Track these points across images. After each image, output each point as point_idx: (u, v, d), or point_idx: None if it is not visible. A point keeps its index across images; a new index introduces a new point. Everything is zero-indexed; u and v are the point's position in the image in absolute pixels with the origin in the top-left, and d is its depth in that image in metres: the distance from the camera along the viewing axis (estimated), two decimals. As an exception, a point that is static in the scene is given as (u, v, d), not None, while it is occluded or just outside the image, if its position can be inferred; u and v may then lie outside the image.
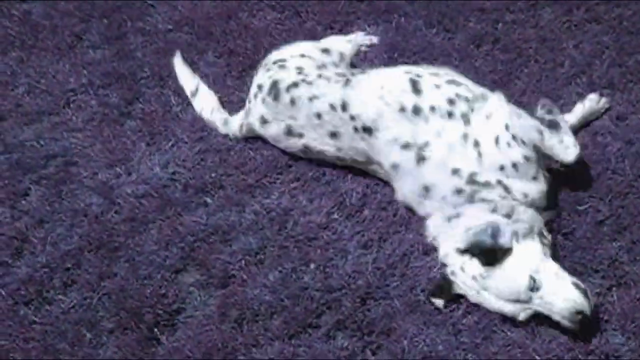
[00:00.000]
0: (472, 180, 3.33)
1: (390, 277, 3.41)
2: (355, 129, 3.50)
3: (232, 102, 4.14)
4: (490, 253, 3.16)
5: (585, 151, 3.83)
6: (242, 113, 3.91)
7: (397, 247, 3.50)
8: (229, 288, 3.42)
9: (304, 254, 3.50)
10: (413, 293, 3.37)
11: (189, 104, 4.10)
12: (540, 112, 3.49)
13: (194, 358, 3.20)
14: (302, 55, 3.82)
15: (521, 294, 3.12)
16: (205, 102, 4.02)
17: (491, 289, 3.18)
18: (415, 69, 3.61)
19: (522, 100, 4.04)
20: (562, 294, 3.09)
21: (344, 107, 3.50)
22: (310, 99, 3.58)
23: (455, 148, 3.35)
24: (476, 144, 3.35)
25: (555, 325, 3.15)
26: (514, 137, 3.34)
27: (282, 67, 3.76)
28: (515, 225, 3.26)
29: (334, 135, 3.57)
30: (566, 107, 3.90)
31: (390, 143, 3.44)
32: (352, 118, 3.49)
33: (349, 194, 3.68)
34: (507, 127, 3.36)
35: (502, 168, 3.33)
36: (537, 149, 3.38)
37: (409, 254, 3.48)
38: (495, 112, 3.44)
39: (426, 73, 3.56)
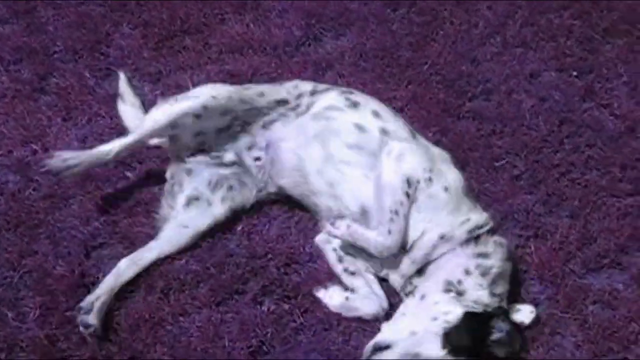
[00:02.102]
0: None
1: (313, 241, 3.44)
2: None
3: (150, 73, 4.09)
4: None
5: (501, 108, 3.92)
6: None
7: (321, 211, 3.52)
8: (153, 260, 3.39)
9: (228, 222, 3.49)
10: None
11: (104, 77, 4.04)
12: None
13: (121, 331, 3.17)
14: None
15: None
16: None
17: None
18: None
19: (438, 61, 4.10)
20: None
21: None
22: None
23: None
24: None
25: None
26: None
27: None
28: None
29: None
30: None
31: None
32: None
33: (270, 161, 3.68)
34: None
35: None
36: None
37: (333, 217, 3.50)
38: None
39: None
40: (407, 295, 3.15)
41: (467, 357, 2.89)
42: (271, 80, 3.97)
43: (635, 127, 3.85)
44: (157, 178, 3.63)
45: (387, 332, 3.00)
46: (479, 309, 2.97)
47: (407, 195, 3.10)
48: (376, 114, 3.37)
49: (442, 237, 3.10)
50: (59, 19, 4.31)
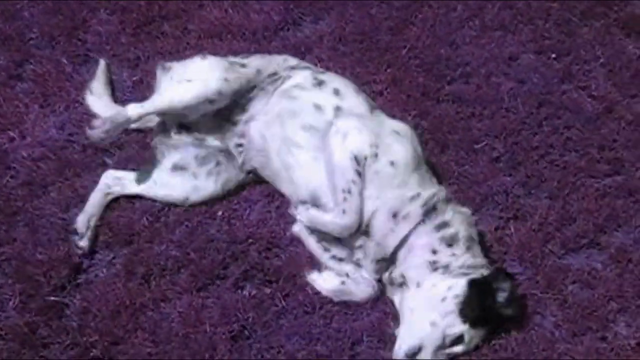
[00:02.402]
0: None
1: (293, 225, 3.44)
2: None
3: (129, 60, 4.06)
4: None
5: (480, 91, 3.93)
6: None
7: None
8: (134, 246, 3.38)
9: (209, 207, 3.49)
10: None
11: (82, 63, 4.01)
12: None
13: (102, 316, 3.16)
14: None
15: None
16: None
17: None
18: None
19: (417, 45, 4.11)
20: None
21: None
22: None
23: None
24: None
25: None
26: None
27: None
28: None
29: None
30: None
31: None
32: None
33: (250, 146, 3.67)
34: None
35: None
36: None
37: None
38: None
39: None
40: (400, 286, 3.12)
41: (484, 324, 2.97)
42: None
43: (613, 108, 3.88)
44: (136, 164, 3.61)
45: (408, 335, 2.96)
46: (474, 273, 3.01)
47: (358, 173, 3.09)
48: (336, 92, 3.36)
49: (394, 215, 3.10)
50: (34, 5, 4.27)
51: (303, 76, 3.45)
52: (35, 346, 3.09)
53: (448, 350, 2.96)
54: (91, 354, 3.08)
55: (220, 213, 3.47)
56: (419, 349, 2.91)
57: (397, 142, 3.19)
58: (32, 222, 3.44)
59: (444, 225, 3.10)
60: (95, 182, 3.52)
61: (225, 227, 3.43)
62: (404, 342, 2.94)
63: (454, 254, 3.06)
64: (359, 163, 3.09)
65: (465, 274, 3.01)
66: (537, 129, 3.80)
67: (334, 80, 3.45)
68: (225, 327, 3.14)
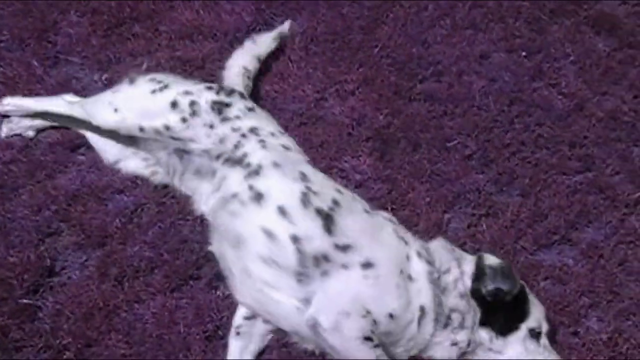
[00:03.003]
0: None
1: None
2: None
3: (100, 61, 4.04)
4: None
5: (452, 90, 3.96)
6: None
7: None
8: (107, 247, 3.36)
9: (182, 208, 3.47)
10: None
11: (52, 65, 3.98)
12: None
13: (75, 319, 3.14)
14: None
15: None
16: None
17: None
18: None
19: (389, 44, 4.12)
20: None
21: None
22: None
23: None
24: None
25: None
26: None
27: None
28: None
29: None
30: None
31: None
32: None
33: (223, 146, 3.67)
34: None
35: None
36: None
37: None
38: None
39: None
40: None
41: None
42: (222, 67, 3.96)
43: (583, 106, 3.92)
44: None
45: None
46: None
47: (375, 346, 2.81)
48: (282, 211, 2.93)
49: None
50: (4, 7, 4.22)
51: (236, 181, 3.08)
52: (8, 349, 3.07)
53: None
54: (64, 356, 3.07)
55: (192, 217, 3.45)
56: None
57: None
58: (4, 225, 3.41)
59: (450, 317, 2.98)
60: (67, 183, 3.51)
61: (198, 227, 3.42)
62: None
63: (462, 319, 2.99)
64: (371, 339, 2.80)
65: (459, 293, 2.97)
66: (509, 127, 3.83)
67: (271, 188, 3.00)
68: (200, 327, 3.14)
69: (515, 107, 3.91)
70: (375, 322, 2.80)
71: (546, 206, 3.54)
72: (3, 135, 3.65)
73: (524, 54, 4.15)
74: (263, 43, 3.96)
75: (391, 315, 2.83)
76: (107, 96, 3.40)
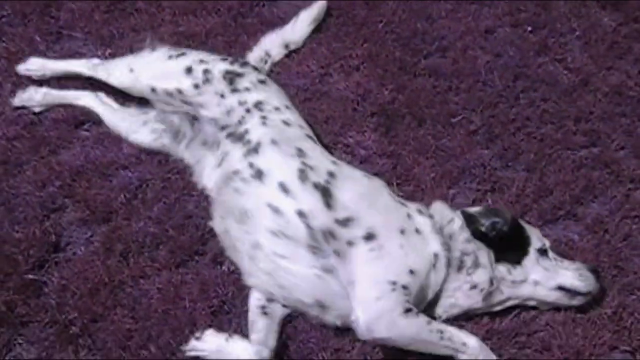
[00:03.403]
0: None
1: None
2: None
3: (103, 37, 4.02)
4: None
5: (457, 65, 3.94)
6: None
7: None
8: (112, 223, 3.36)
9: (186, 184, 3.47)
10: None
11: (55, 41, 3.97)
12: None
13: (80, 294, 3.14)
14: None
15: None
16: None
17: None
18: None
19: (393, 19, 4.10)
20: None
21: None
22: None
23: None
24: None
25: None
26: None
27: None
28: None
29: None
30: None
31: None
32: None
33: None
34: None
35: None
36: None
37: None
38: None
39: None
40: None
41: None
42: (226, 42, 3.95)
43: (589, 81, 3.90)
44: (112, 139, 3.59)
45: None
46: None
47: (409, 310, 2.82)
48: (283, 188, 2.98)
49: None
50: (6, -17, 4.21)
51: (236, 159, 3.14)
52: (14, 324, 3.08)
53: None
54: (70, 331, 3.06)
55: (197, 189, 3.44)
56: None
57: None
58: (9, 201, 3.41)
59: (462, 260, 3.02)
60: (71, 159, 3.51)
61: (203, 203, 3.41)
62: None
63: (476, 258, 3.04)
64: (410, 309, 2.81)
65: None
66: (514, 102, 3.81)
67: (271, 165, 3.05)
68: (205, 303, 3.14)
69: (521, 82, 3.89)
70: (404, 287, 2.82)
71: (551, 181, 3.53)
72: (15, 103, 3.67)
73: (529, 28, 4.13)
74: (299, 30, 3.97)
75: (412, 272, 2.85)
76: (127, 59, 3.64)
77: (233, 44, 3.98)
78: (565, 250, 3.31)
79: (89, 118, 3.63)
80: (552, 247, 3.18)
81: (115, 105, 3.65)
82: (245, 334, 3.03)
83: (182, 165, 3.48)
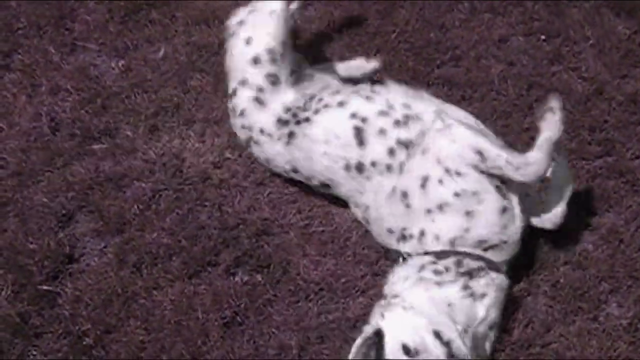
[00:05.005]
0: (403, 236, 3.04)
1: (284, 212, 3.44)
2: (320, 185, 3.30)
3: (117, 48, 4.04)
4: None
5: (470, 75, 3.92)
6: None
7: (290, 183, 3.50)
8: (125, 234, 3.38)
9: (200, 194, 3.49)
10: (308, 225, 3.41)
11: (70, 52, 3.99)
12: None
13: (94, 305, 3.16)
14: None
15: None
16: None
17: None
18: (365, 106, 3.18)
19: (406, 29, 4.09)
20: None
21: (295, 170, 3.33)
22: (267, 160, 3.40)
23: (385, 206, 3.07)
24: (404, 195, 3.00)
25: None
26: (447, 171, 2.93)
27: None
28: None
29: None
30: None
31: (348, 197, 3.25)
32: (310, 178, 3.31)
33: (240, 132, 3.67)
34: (438, 161, 2.95)
35: (428, 211, 2.97)
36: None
37: (303, 189, 3.49)
38: (431, 144, 3.00)
39: (375, 110, 3.15)
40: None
41: None
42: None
43: (603, 89, 3.87)
44: (125, 151, 3.61)
45: None
46: None
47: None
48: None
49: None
50: (21, -5, 4.25)
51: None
52: (28, 336, 3.10)
53: None
54: (84, 342, 3.09)
55: (210, 200, 3.46)
56: None
57: None
58: (23, 212, 3.44)
59: None
60: (85, 170, 3.53)
61: (216, 213, 3.42)
62: None
63: None
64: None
65: None
66: (528, 111, 3.79)
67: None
68: (218, 314, 3.14)
69: (534, 92, 3.87)
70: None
71: (566, 191, 3.51)
72: None
73: (542, 37, 4.10)
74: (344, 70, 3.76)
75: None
76: None
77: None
78: (579, 261, 3.29)
79: (103, 129, 3.64)
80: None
81: None
82: (258, 346, 3.04)
83: (195, 175, 3.49)
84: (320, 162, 3.20)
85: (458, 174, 2.92)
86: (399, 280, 2.95)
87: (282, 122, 3.29)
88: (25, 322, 3.11)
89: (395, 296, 2.89)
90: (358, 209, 3.23)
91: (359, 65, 3.70)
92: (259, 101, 3.31)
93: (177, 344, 3.07)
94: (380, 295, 3.10)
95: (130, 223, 3.41)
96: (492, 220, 2.95)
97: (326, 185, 3.27)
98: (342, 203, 3.37)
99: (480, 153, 2.93)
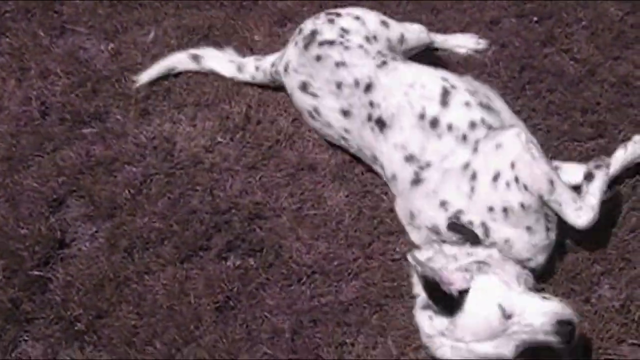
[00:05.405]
0: (457, 217, 2.98)
1: (276, 195, 3.43)
2: (369, 117, 3.16)
3: (107, 31, 4.01)
4: (444, 301, 2.72)
5: (461, 56, 3.91)
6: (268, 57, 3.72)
7: (283, 166, 3.50)
8: (116, 219, 3.37)
9: (191, 178, 3.47)
10: (300, 208, 3.40)
11: (59, 35, 3.96)
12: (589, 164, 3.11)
13: (85, 290, 3.15)
14: (357, 18, 3.44)
15: (496, 326, 2.70)
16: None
17: (465, 336, 2.72)
18: (454, 79, 3.23)
19: (398, 10, 4.07)
20: (537, 309, 2.74)
21: (368, 88, 3.19)
22: (338, 64, 3.26)
23: (451, 177, 3.00)
24: (473, 177, 2.96)
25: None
26: (516, 180, 2.89)
27: (330, 20, 3.42)
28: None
29: (346, 113, 3.24)
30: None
31: (397, 148, 3.10)
32: (371, 104, 3.17)
33: (231, 116, 3.65)
34: (512, 166, 2.91)
35: (490, 209, 2.94)
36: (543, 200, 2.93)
37: (295, 172, 3.48)
38: (508, 144, 2.96)
39: (463, 87, 3.18)
40: None
41: None
42: (228, 35, 3.93)
43: (596, 71, 3.85)
44: (115, 135, 3.59)
45: None
46: None
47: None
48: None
49: None
50: (8, -22, 4.20)
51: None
52: (19, 321, 3.09)
53: None
54: (75, 327, 3.08)
55: (202, 184, 3.44)
56: None
57: None
58: (13, 197, 3.42)
59: None
60: (75, 154, 3.50)
61: (207, 197, 3.41)
62: None
63: None
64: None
65: None
66: (520, 93, 3.78)
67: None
68: (210, 298, 3.14)
69: (526, 74, 3.85)
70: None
71: (558, 173, 3.50)
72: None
73: (535, 19, 4.08)
74: None
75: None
76: None
77: (236, 36, 3.96)
78: (572, 245, 3.28)
79: (93, 114, 3.62)
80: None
81: None
82: (251, 330, 3.03)
83: (186, 159, 3.48)
84: (396, 98, 3.14)
85: (525, 188, 2.89)
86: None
87: (381, 54, 3.30)
88: (16, 308, 3.11)
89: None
90: (408, 163, 3.09)
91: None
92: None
93: (169, 328, 3.07)
94: (372, 279, 3.12)
95: (121, 207, 3.40)
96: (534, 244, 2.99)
97: (382, 122, 3.16)
98: (334, 186, 3.37)
99: (551, 183, 2.91)
